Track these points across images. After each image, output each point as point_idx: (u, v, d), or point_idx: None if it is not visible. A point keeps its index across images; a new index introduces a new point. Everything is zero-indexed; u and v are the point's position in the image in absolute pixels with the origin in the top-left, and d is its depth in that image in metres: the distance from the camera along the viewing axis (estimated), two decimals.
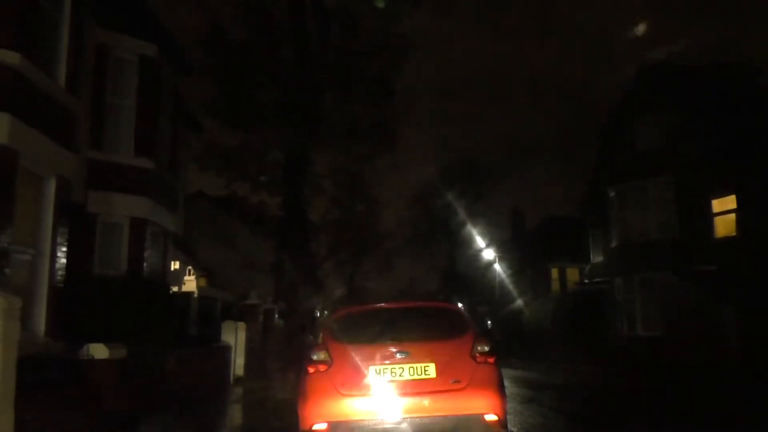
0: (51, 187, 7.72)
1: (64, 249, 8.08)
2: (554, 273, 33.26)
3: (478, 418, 4.79)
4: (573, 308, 24.88)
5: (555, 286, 32.87)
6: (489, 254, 37.03)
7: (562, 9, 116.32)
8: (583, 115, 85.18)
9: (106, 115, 10.30)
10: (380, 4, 15.95)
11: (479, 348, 5.04)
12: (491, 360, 5.04)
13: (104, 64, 10.23)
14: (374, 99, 17.18)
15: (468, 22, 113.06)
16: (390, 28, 16.42)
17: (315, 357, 5.06)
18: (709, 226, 18.26)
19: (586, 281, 27.31)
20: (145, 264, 10.57)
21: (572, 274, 31.99)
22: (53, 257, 7.68)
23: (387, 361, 4.89)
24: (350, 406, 4.80)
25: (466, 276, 38.73)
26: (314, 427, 4.80)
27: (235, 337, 12.96)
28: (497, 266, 36.12)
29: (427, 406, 4.75)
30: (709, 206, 18.29)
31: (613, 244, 21.62)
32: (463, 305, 28.75)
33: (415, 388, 4.80)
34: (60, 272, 7.96)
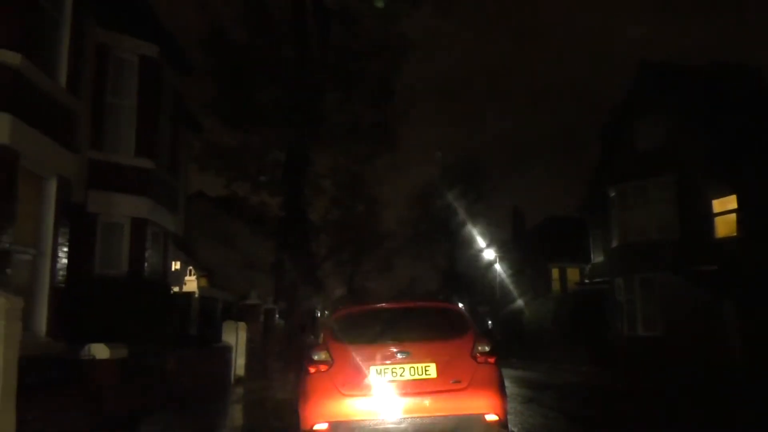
0: (52, 188, 7.73)
1: (65, 249, 8.09)
2: (555, 273, 33.25)
3: (479, 418, 4.79)
4: (573, 308, 24.83)
5: (555, 286, 32.86)
6: (489, 254, 36.97)
7: (562, 9, 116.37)
8: (583, 115, 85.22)
9: (106, 115, 10.30)
10: (380, 4, 15.96)
11: (480, 348, 5.04)
12: (492, 360, 5.05)
13: (105, 64, 10.23)
14: (374, 99, 17.21)
15: (468, 22, 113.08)
16: (390, 28, 16.45)
17: (316, 357, 5.06)
18: (710, 226, 18.24)
19: (587, 281, 27.30)
20: (145, 264, 10.58)
21: (573, 274, 31.98)
22: (54, 257, 7.69)
23: (388, 361, 4.89)
24: (351, 406, 4.80)
25: (467, 276, 38.63)
26: (315, 427, 4.80)
27: (236, 337, 12.97)
28: (497, 266, 36.07)
29: (427, 406, 4.75)
30: (710, 206, 18.27)
31: (614, 244, 21.60)
32: (464, 305, 28.69)
33: (416, 388, 4.80)
34: (61, 272, 7.96)
